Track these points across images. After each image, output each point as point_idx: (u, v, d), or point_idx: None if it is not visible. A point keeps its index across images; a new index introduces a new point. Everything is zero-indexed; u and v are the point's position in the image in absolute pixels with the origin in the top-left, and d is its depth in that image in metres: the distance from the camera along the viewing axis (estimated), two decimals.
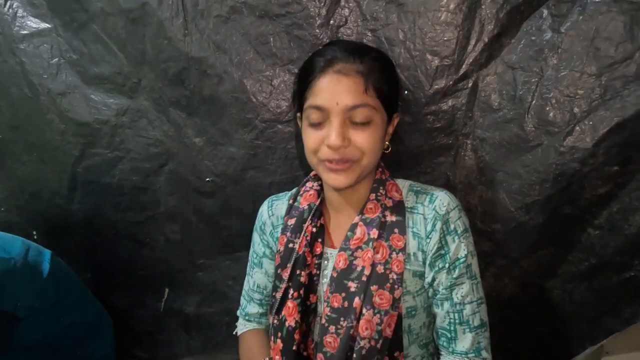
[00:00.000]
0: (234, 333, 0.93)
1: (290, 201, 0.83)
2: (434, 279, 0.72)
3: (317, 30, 0.91)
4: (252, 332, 0.88)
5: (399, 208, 0.75)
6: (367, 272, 0.70)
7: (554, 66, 0.81)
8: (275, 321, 0.75)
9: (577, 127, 0.81)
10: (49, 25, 1.09)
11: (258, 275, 0.87)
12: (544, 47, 0.81)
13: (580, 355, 0.90)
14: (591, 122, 0.79)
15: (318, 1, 0.90)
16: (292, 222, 0.79)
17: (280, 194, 0.90)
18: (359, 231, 0.73)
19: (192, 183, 1.09)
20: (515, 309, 0.97)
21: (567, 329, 0.95)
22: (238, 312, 0.92)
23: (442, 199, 0.73)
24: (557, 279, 0.92)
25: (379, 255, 0.71)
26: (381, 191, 0.76)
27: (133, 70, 1.05)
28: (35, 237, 1.24)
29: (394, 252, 0.71)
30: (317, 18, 0.90)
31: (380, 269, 0.70)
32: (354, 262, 0.72)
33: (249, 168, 1.03)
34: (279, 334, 0.74)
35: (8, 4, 1.10)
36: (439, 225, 0.71)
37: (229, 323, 1.21)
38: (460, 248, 0.70)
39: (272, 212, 0.86)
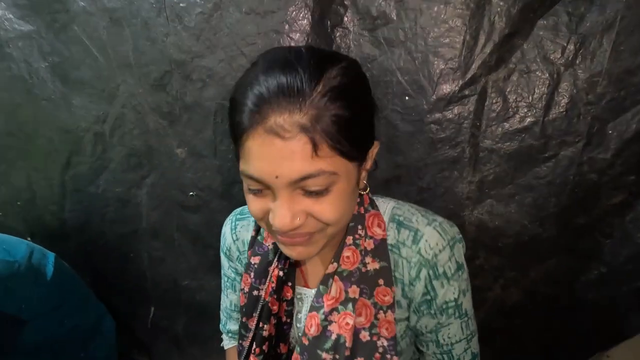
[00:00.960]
0: (221, 345, 0.85)
1: (253, 232, 0.68)
2: (418, 321, 0.61)
3: (309, 29, 0.83)
4: (235, 350, 0.79)
5: (382, 250, 0.58)
6: (348, 343, 0.57)
7: (571, 71, 0.73)
8: None
9: (596, 137, 0.74)
10: (33, 27, 1.02)
11: (233, 296, 0.78)
12: (560, 48, 0.73)
13: None
14: (610, 131, 0.73)
15: None
16: (255, 261, 0.65)
17: (246, 209, 0.72)
18: (334, 289, 0.58)
19: (175, 197, 1.01)
20: (522, 317, 0.93)
21: (574, 336, 0.92)
22: (220, 327, 0.84)
23: (429, 239, 0.57)
24: (566, 287, 0.89)
25: (362, 318, 0.58)
26: (359, 232, 0.59)
27: (112, 75, 0.97)
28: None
29: (381, 311, 0.57)
30: (309, 16, 0.83)
31: (365, 335, 0.58)
32: (328, 327, 0.58)
33: (235, 182, 0.95)
34: None
35: None
36: (424, 272, 0.57)
37: (221, 339, 1.14)
38: (450, 292, 0.58)
39: (237, 235, 0.71)
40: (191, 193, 0.98)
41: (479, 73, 0.78)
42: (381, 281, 0.58)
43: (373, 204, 0.62)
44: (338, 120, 0.46)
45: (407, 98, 0.82)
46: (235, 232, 0.71)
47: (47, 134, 1.09)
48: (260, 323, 0.64)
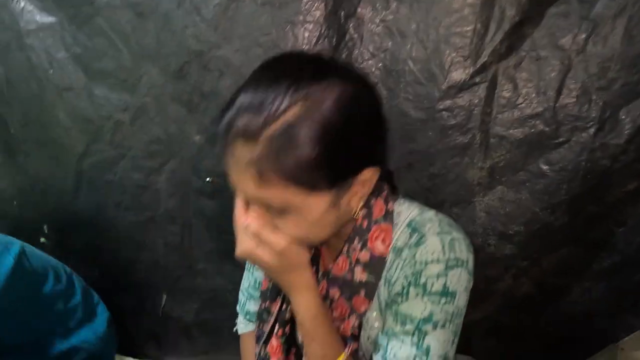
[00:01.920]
0: (234, 330, 0.86)
1: None
2: (384, 315, 0.58)
3: (323, 20, 0.85)
4: (251, 335, 0.81)
5: (375, 266, 0.57)
6: None
7: (582, 56, 0.74)
8: (262, 352, 0.68)
9: (608, 122, 0.74)
10: (54, 19, 1.06)
11: (257, 273, 0.78)
12: (570, 35, 0.74)
13: (597, 353, 0.89)
14: (623, 116, 0.73)
15: None
16: None
17: None
18: (320, 284, 0.62)
19: (193, 183, 1.04)
20: (533, 306, 0.93)
21: (586, 327, 0.92)
22: (237, 309, 0.84)
23: (430, 245, 0.53)
24: (576, 277, 0.88)
25: (336, 313, 0.61)
26: (355, 244, 0.58)
27: (135, 66, 1.01)
28: (46, 232, 1.23)
29: (354, 314, 0.59)
30: (323, 7, 0.85)
31: (336, 324, 0.61)
32: None
33: None
34: None
35: None
36: (408, 271, 0.54)
37: (231, 327, 1.16)
38: (418, 307, 0.52)
39: None
40: (208, 179, 1.01)
41: (490, 61, 0.79)
42: (362, 292, 0.58)
43: (387, 217, 0.58)
44: (296, 156, 0.44)
45: (419, 86, 0.83)
46: None
47: (65, 123, 1.11)
48: (284, 305, 0.65)
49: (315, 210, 0.49)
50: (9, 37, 1.09)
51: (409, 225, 0.57)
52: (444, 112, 0.83)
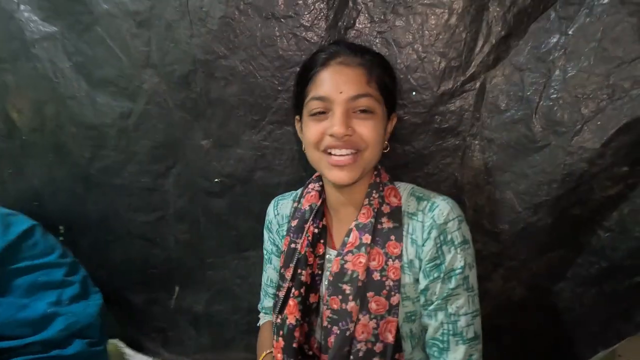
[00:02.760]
0: (257, 325, 0.94)
1: (295, 203, 0.84)
2: (427, 288, 0.70)
3: (324, 32, 0.90)
4: (268, 323, 0.91)
5: (396, 214, 0.74)
6: (362, 277, 0.70)
7: (561, 67, 0.81)
8: (279, 320, 0.76)
9: (585, 128, 0.81)
10: (56, 29, 1.08)
11: (270, 271, 0.90)
12: (551, 48, 0.82)
13: (592, 358, 0.92)
14: (599, 123, 0.80)
15: (325, 2, 0.89)
16: (294, 223, 0.80)
17: (286, 194, 0.91)
18: (352, 236, 0.73)
19: (200, 184, 1.09)
20: (525, 311, 0.97)
21: (578, 332, 0.96)
22: (258, 306, 0.95)
23: (442, 208, 0.70)
24: (567, 282, 0.92)
25: (375, 262, 0.71)
26: (374, 195, 0.75)
27: (136, 73, 1.04)
28: (62, 231, 1.26)
29: (390, 259, 0.71)
30: (324, 19, 0.90)
31: (376, 276, 0.71)
32: (345, 265, 0.72)
33: (256, 169, 1.03)
34: (281, 332, 0.75)
35: (21, 7, 1.09)
36: (434, 233, 0.69)
37: (237, 321, 1.22)
38: (457, 259, 0.69)
39: (278, 211, 0.88)
40: (216, 179, 1.06)
41: (478, 70, 0.86)
42: (393, 237, 0.72)
43: (391, 182, 0.79)
44: (383, 71, 0.73)
45: (414, 93, 0.90)
46: (277, 208, 0.89)
47: (71, 130, 1.14)
48: (299, 269, 0.76)
49: (382, 122, 0.72)
50: (17, 46, 1.10)
51: (412, 194, 0.76)
52: (437, 117, 0.90)
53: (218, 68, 0.96)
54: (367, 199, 0.75)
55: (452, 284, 0.68)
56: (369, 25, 0.89)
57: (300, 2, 0.90)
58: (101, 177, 1.17)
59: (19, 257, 1.01)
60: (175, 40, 0.97)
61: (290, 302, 0.75)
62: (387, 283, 0.70)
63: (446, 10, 0.85)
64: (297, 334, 0.74)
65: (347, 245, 0.73)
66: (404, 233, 0.73)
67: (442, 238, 0.69)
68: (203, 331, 1.27)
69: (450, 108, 0.89)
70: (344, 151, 0.69)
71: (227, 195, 1.08)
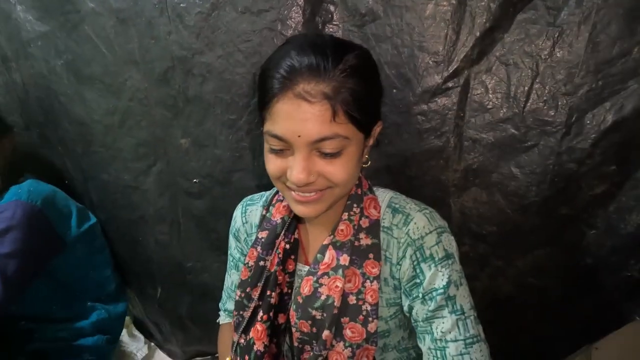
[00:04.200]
0: (217, 321, 0.91)
1: (264, 211, 0.76)
2: (411, 307, 0.64)
3: (301, 27, 0.87)
4: (228, 325, 0.86)
5: (375, 228, 0.66)
6: (337, 303, 0.63)
7: (549, 62, 0.76)
8: (242, 341, 0.71)
9: (575, 127, 0.76)
10: (49, 28, 1.09)
11: (235, 277, 0.85)
12: (539, 41, 0.76)
13: (572, 354, 0.89)
14: (589, 122, 0.75)
15: None
16: (263, 235, 0.72)
17: (255, 196, 0.83)
18: (327, 255, 0.66)
19: (180, 184, 1.08)
20: (511, 308, 0.94)
21: (563, 328, 0.93)
22: (220, 305, 0.91)
23: (418, 222, 0.63)
24: (553, 278, 0.89)
25: (350, 284, 0.64)
26: (355, 209, 0.67)
27: (120, 70, 1.03)
28: None
29: (368, 280, 0.64)
30: (301, 14, 0.87)
31: (352, 299, 0.64)
32: (319, 289, 0.65)
33: (235, 170, 1.01)
34: (246, 357, 0.70)
35: (18, 7, 1.11)
36: (409, 251, 0.63)
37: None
38: (437, 277, 0.61)
39: (246, 218, 0.80)
40: (195, 180, 1.04)
41: (462, 66, 0.81)
42: (371, 255, 0.65)
43: (371, 190, 0.71)
44: (354, 93, 0.55)
45: (394, 91, 0.85)
46: (245, 215, 0.80)
47: (65, 125, 1.17)
48: (268, 291, 0.70)
49: (358, 150, 0.60)
50: (16, 45, 1.13)
51: (389, 206, 0.68)
52: (419, 116, 0.86)
53: (195, 65, 0.95)
54: (347, 213, 0.67)
55: (432, 305, 0.60)
56: (347, 19, 0.86)
57: None
58: (92, 172, 1.19)
59: (84, 249, 1.09)
60: (155, 37, 0.96)
61: (258, 326, 0.69)
62: (363, 307, 0.63)
63: (427, 2, 0.80)
64: (266, 359, 0.69)
65: (322, 266, 0.65)
66: (382, 249, 0.66)
67: (418, 255, 0.62)
68: (189, 330, 1.26)
69: (433, 107, 0.85)
70: (309, 197, 0.60)
71: (206, 197, 1.06)
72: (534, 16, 0.76)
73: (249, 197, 0.84)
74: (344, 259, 0.64)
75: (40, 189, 1.03)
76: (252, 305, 0.70)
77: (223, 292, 0.89)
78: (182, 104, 0.99)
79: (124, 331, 1.34)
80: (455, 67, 0.81)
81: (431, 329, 0.61)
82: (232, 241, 0.84)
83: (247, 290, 0.71)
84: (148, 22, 0.96)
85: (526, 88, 0.78)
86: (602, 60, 0.72)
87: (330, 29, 0.87)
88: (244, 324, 0.71)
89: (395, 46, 0.84)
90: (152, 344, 1.40)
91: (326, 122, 0.54)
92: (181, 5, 0.92)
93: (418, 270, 0.62)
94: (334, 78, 0.54)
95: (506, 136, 0.81)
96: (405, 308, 0.65)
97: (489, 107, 0.82)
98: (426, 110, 0.85)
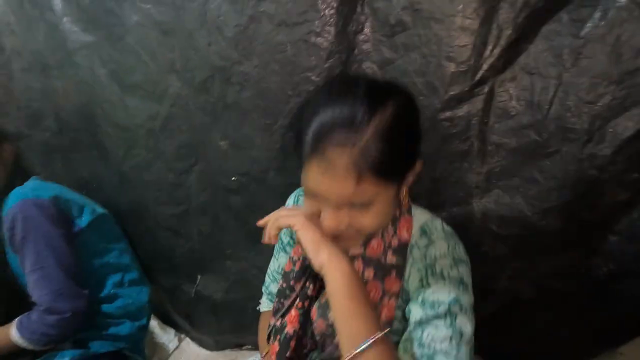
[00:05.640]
0: (257, 308, 0.97)
1: None
2: (409, 310, 0.63)
3: (333, 38, 0.92)
4: (269, 314, 0.88)
5: (402, 250, 0.66)
6: None
7: (573, 72, 0.79)
8: (278, 323, 0.76)
9: (597, 134, 0.79)
10: (94, 38, 1.18)
11: (283, 260, 0.88)
12: (563, 52, 0.79)
13: (595, 358, 0.92)
14: (611, 130, 0.78)
15: (335, 9, 0.91)
16: None
17: None
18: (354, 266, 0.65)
19: (220, 181, 1.16)
20: (531, 310, 0.98)
21: (585, 332, 0.95)
22: (263, 289, 0.96)
23: (439, 247, 0.64)
24: (574, 282, 0.92)
25: (369, 294, 0.65)
26: (389, 229, 0.68)
27: (162, 79, 1.11)
28: None
29: (386, 296, 0.65)
30: (334, 25, 0.92)
31: None
32: None
33: (270, 169, 1.08)
34: (278, 337, 0.74)
35: (64, 19, 1.19)
36: (420, 266, 0.64)
37: (254, 308, 1.29)
38: (443, 291, 0.59)
39: (297, 206, 0.84)
40: (233, 177, 1.12)
41: (487, 75, 0.85)
42: (393, 273, 0.66)
43: (410, 211, 0.70)
44: (384, 156, 0.54)
45: (421, 98, 0.90)
46: (297, 204, 0.86)
47: (108, 130, 1.26)
48: (307, 282, 0.74)
49: (389, 199, 0.61)
50: (62, 54, 1.22)
51: (421, 227, 0.68)
52: (444, 122, 0.90)
53: (233, 74, 1.01)
54: (382, 231, 0.68)
55: (430, 312, 0.59)
56: (377, 29, 0.90)
57: (311, 9, 0.92)
58: (133, 173, 1.28)
59: (98, 236, 1.15)
60: (195, 47, 1.03)
61: (293, 311, 0.74)
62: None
63: (455, 14, 0.84)
64: (292, 344, 0.72)
65: None
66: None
67: (429, 270, 0.62)
68: (222, 317, 1.36)
69: (458, 113, 0.89)
70: (339, 241, 0.61)
71: (244, 193, 1.14)
72: (558, 28, 0.79)
73: (301, 189, 0.85)
74: (369, 273, 0.66)
75: (44, 185, 1.08)
76: (293, 295, 0.76)
77: (267, 276, 0.95)
78: (221, 110, 1.07)
79: (155, 323, 1.43)
80: (480, 75, 0.85)
81: (420, 334, 0.58)
82: None
83: (291, 283, 0.77)
84: (189, 33, 1.03)
85: (549, 96, 0.81)
86: (625, 70, 0.75)
87: (361, 39, 0.92)
88: (282, 310, 0.77)
89: (423, 55, 0.88)
90: (182, 335, 1.49)
91: (351, 187, 0.55)
92: (220, 18, 0.98)
93: (424, 281, 0.62)
94: (363, 140, 0.53)
95: (529, 141, 0.85)
96: (406, 312, 0.65)
97: (512, 113, 0.85)
98: (452, 116, 0.89)
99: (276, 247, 0.93)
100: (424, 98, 0.90)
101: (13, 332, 0.98)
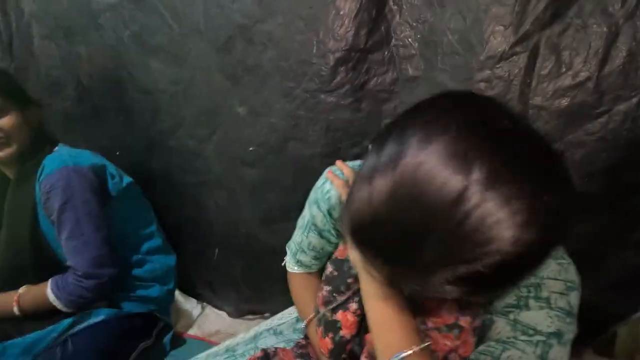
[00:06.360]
0: (282, 264, 0.87)
1: None
2: (491, 322, 0.54)
3: None
4: (303, 276, 0.83)
5: None
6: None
7: (630, 23, 0.71)
8: (328, 315, 0.69)
9: None
10: (117, 0, 1.15)
11: (315, 240, 0.77)
12: (619, 0, 0.71)
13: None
14: None
15: None
16: None
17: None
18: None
19: (237, 152, 1.11)
20: None
21: (618, 293, 0.92)
22: (288, 250, 0.85)
23: (550, 266, 0.53)
24: (610, 246, 0.87)
25: (458, 341, 0.55)
26: None
27: (184, 40, 1.08)
28: None
29: (470, 335, 0.55)
30: None
31: (454, 357, 0.56)
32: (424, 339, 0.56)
33: (290, 139, 1.02)
34: (331, 334, 0.68)
35: None
36: (524, 289, 0.53)
37: (272, 285, 1.24)
38: (546, 321, 0.50)
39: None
40: (250, 148, 1.07)
41: (532, 29, 0.77)
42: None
43: None
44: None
45: (456, 57, 0.83)
46: (329, 194, 0.71)
47: (134, 95, 1.23)
48: None
49: None
50: (85, 18, 1.20)
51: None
52: (482, 83, 0.83)
53: (256, 33, 0.97)
54: None
55: (522, 336, 0.51)
56: None
57: None
58: (160, 139, 1.25)
59: (128, 204, 1.16)
60: (220, 5, 0.99)
61: (349, 316, 0.66)
62: (451, 357, 0.56)
63: None
64: (348, 347, 0.68)
65: (435, 317, 0.56)
66: None
67: (532, 291, 0.51)
68: (242, 290, 1.32)
69: (497, 73, 0.82)
70: None
71: (259, 165, 1.09)
72: None
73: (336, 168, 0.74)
74: (465, 321, 0.55)
75: (79, 152, 1.08)
76: (349, 293, 0.67)
77: (292, 243, 0.83)
78: (242, 73, 1.02)
79: (178, 292, 1.42)
80: (524, 31, 0.78)
81: (500, 353, 0.51)
82: (317, 212, 0.73)
83: (348, 281, 0.68)
84: None
85: (602, 51, 0.73)
86: None
87: None
88: (334, 304, 0.68)
89: (459, 10, 0.81)
90: (204, 303, 1.47)
91: None
92: None
93: (524, 302, 0.52)
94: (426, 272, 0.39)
95: (576, 103, 0.77)
96: (487, 320, 0.56)
97: (559, 72, 0.78)
98: (490, 76, 0.82)
99: (306, 223, 0.78)
100: (459, 57, 0.83)
101: (49, 292, 1.00)
